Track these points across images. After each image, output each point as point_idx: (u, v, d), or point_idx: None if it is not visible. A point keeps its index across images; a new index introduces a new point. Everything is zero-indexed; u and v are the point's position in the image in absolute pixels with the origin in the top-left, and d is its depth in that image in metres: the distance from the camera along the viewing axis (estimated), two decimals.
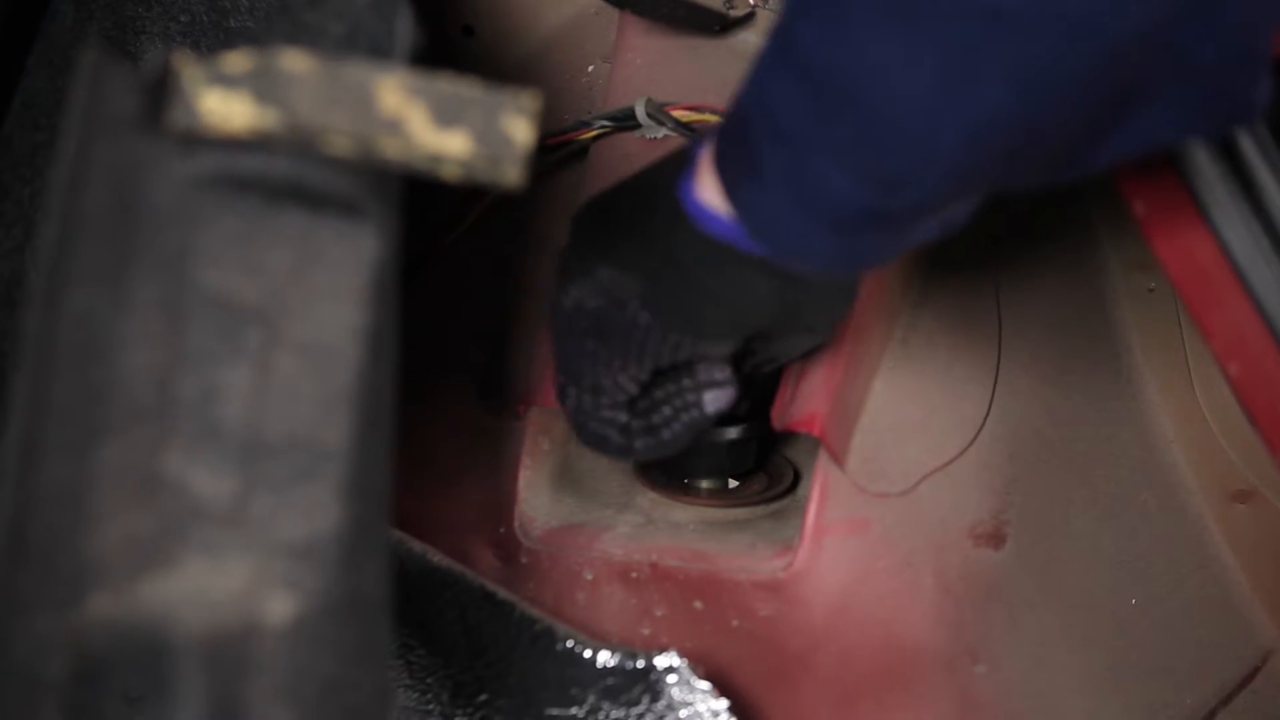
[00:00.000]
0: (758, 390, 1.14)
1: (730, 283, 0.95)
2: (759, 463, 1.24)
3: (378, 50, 0.78)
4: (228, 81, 0.69)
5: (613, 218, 1.02)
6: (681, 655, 1.05)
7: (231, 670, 0.68)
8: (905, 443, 1.16)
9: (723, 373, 1.04)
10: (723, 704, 1.05)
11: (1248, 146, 0.97)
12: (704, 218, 0.94)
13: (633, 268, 0.99)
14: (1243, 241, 0.98)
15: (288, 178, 0.70)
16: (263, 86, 0.69)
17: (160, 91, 0.69)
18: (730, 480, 1.24)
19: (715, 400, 1.04)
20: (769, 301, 0.96)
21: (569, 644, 1.06)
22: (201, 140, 0.70)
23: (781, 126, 0.84)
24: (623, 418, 1.05)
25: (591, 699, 1.06)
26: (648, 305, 0.99)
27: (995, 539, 1.17)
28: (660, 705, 1.05)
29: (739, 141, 0.89)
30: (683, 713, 1.04)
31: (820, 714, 1.16)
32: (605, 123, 1.22)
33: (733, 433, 1.18)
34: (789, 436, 1.21)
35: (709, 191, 0.93)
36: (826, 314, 1.01)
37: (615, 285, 1.00)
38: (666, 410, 1.05)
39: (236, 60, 0.69)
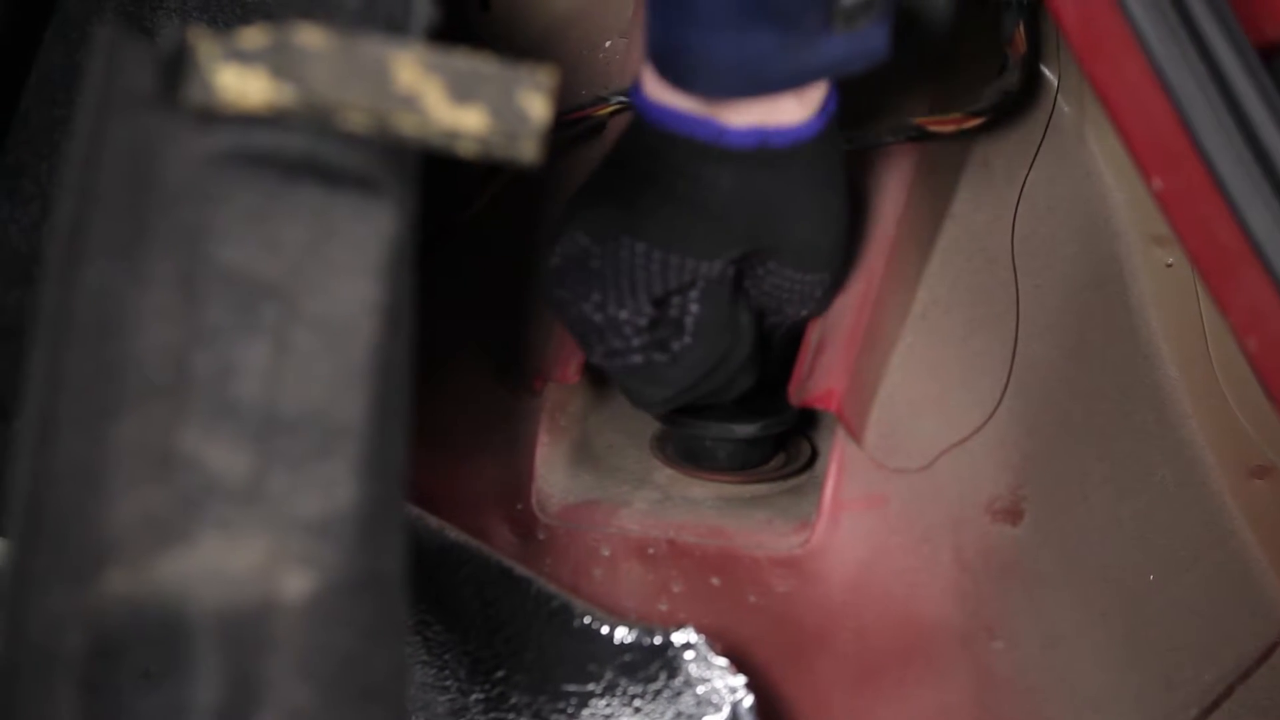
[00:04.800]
0: (774, 358, 1.14)
1: (695, 180, 0.99)
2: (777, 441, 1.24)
3: (394, 25, 0.78)
4: (244, 57, 0.68)
5: (582, 188, 1.07)
6: (699, 631, 1.05)
7: (248, 647, 0.68)
8: (923, 418, 1.16)
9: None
10: (740, 680, 1.05)
11: (1264, 124, 0.96)
12: (654, 113, 0.98)
13: (611, 203, 1.03)
14: (1261, 217, 0.98)
15: (304, 154, 0.70)
16: (279, 62, 0.68)
17: (176, 67, 0.69)
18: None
19: (701, 298, 1.05)
20: (736, 198, 0.99)
21: (586, 620, 1.06)
22: (217, 116, 0.70)
23: None
24: (637, 357, 1.07)
25: (609, 675, 1.06)
26: (635, 232, 1.02)
27: (1013, 515, 1.16)
28: (677, 681, 1.05)
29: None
30: (700, 689, 1.04)
31: (837, 690, 1.16)
32: (622, 98, 1.22)
33: (748, 430, 1.18)
34: (805, 412, 1.20)
35: (651, 85, 0.98)
36: (797, 228, 1.04)
37: (598, 225, 1.04)
38: (667, 327, 1.06)
39: (252, 36, 0.69)
